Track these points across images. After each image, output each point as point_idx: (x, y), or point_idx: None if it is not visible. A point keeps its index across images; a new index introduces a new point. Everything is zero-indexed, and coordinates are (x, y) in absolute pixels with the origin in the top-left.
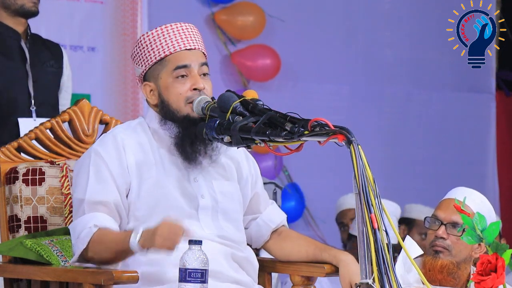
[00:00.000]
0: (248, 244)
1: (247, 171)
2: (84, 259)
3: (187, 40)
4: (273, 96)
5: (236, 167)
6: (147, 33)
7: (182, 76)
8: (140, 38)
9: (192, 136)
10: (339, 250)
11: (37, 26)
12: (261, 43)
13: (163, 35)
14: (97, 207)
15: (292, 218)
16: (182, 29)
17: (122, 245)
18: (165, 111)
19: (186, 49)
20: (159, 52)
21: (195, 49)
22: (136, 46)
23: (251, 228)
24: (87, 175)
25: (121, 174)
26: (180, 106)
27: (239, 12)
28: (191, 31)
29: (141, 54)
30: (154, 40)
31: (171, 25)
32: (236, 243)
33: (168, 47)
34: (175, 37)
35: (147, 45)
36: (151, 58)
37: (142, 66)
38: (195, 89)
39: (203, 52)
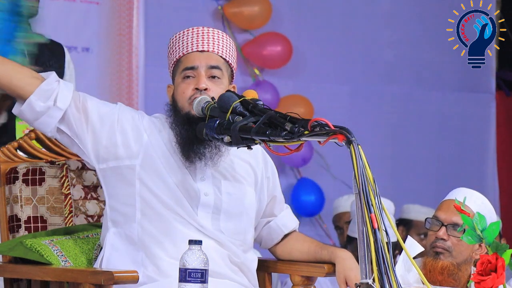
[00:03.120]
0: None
1: (263, 174)
2: None
3: (202, 43)
4: (286, 83)
5: (252, 171)
6: (171, 37)
7: (189, 76)
8: (168, 42)
9: (193, 136)
10: (338, 248)
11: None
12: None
13: (181, 37)
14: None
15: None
16: (199, 31)
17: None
18: (174, 110)
19: (197, 51)
20: (176, 54)
21: (208, 51)
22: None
23: (263, 229)
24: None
25: (132, 133)
26: (183, 105)
27: (245, 3)
28: (209, 34)
29: (168, 57)
30: (174, 43)
31: (192, 28)
32: (234, 245)
33: (182, 48)
34: (190, 39)
35: (169, 49)
36: (171, 60)
37: (169, 69)
38: (197, 89)
39: (221, 56)
